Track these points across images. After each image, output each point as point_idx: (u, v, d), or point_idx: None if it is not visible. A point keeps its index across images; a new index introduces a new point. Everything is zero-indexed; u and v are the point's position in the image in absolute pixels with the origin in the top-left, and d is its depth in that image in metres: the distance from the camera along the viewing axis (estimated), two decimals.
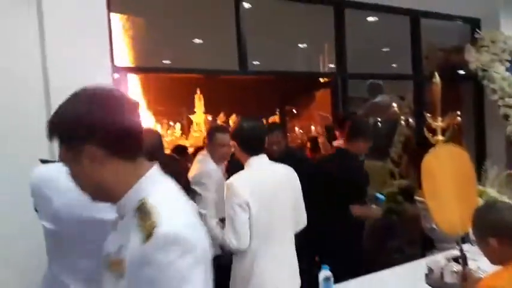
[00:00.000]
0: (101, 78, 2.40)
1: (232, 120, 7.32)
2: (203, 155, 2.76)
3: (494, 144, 4.22)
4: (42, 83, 2.39)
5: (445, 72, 4.77)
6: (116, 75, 2.77)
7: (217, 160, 2.71)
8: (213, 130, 2.82)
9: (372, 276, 2.24)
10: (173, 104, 7.48)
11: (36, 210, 1.45)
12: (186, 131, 7.59)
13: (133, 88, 5.75)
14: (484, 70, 3.93)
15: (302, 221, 2.11)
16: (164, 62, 4.95)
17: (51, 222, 1.34)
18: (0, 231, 2.17)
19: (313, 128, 7.77)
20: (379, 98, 5.37)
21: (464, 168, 1.93)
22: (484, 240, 1.56)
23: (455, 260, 2.01)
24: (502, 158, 4.05)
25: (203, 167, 2.65)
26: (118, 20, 4.05)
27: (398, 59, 5.07)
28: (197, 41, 4.76)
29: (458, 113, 4.70)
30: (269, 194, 1.93)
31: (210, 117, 7.29)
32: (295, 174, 2.13)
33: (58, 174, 1.33)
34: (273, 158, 2.69)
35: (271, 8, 3.85)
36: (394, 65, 5.36)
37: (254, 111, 7.04)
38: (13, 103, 2.32)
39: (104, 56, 2.48)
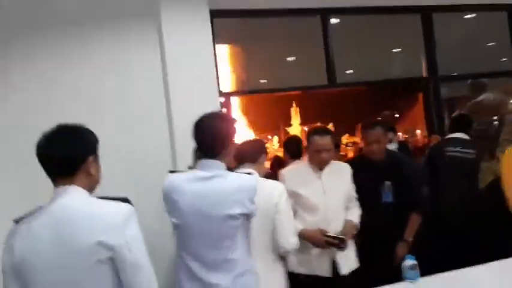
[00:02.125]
0: (210, 103, 2.91)
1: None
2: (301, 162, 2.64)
3: None
4: (165, 109, 2.97)
5: None
6: (222, 99, 3.25)
7: (316, 166, 2.42)
8: (310, 132, 2.48)
9: (466, 270, 2.29)
10: (271, 118, 7.91)
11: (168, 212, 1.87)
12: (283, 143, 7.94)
13: (237, 107, 6.32)
14: None
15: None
16: (261, 81, 5.45)
17: (177, 218, 1.75)
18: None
19: (418, 132, 7.56)
20: (482, 97, 5.12)
21: None
22: None
23: None
24: None
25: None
26: (221, 49, 4.64)
27: (507, 53, 4.81)
28: (290, 59, 5.16)
29: None
30: None
31: (306, 128, 7.55)
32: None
33: (182, 181, 1.77)
34: (373, 158, 2.60)
35: (360, 20, 4.06)
36: (503, 59, 5.07)
37: (351, 119, 7.19)
38: (140, 128, 2.90)
39: (212, 84, 2.98)
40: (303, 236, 2.27)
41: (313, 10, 3.58)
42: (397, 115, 8.49)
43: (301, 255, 2.36)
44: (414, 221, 2.65)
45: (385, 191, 2.60)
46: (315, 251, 2.33)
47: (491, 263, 2.32)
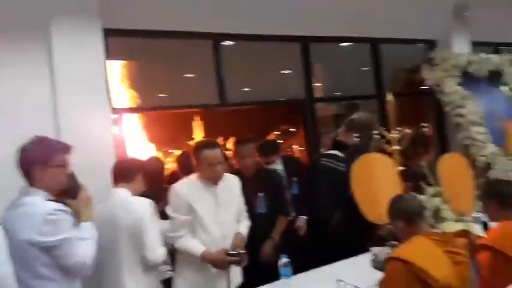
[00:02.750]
0: (101, 119, 2.97)
1: (230, 143, 7.84)
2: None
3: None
4: (53, 126, 2.89)
5: (410, 89, 5.32)
6: (114, 116, 3.28)
7: (210, 181, 2.38)
8: (199, 147, 2.43)
9: (331, 266, 2.68)
10: (174, 132, 7.92)
11: None
12: None
13: (135, 121, 6.26)
14: (438, 85, 4.46)
15: None
16: (161, 95, 5.52)
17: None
18: None
19: None
20: (354, 115, 5.85)
21: (390, 172, 2.44)
22: (394, 222, 2.06)
23: None
24: None
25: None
26: (119, 66, 4.65)
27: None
28: (188, 75, 5.35)
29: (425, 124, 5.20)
30: None
31: None
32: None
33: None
34: (246, 172, 2.81)
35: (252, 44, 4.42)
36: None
37: (252, 134, 7.61)
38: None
39: (103, 101, 3.02)
40: (206, 260, 2.27)
41: (204, 34, 3.81)
42: (293, 129, 9.14)
43: (199, 275, 2.35)
44: (281, 223, 2.90)
45: (258, 203, 2.77)
46: (215, 270, 2.33)
47: (351, 258, 2.76)
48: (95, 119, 2.95)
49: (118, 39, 3.43)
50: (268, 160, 3.38)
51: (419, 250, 1.90)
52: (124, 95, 4.49)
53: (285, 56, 4.67)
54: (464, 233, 2.71)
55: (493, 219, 2.26)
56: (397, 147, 3.44)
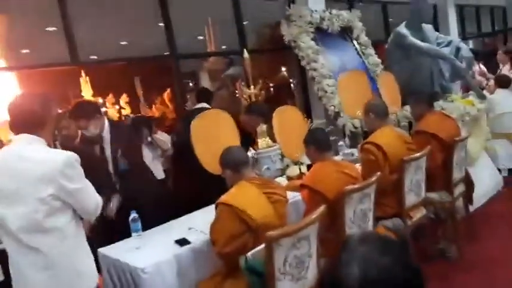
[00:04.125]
0: None
1: (124, 100, 7.61)
2: None
3: (315, 100, 5.14)
4: None
5: (274, 44, 5.60)
6: None
7: None
8: None
9: (184, 217, 2.88)
10: (60, 90, 7.35)
11: None
12: None
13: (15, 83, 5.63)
14: (294, 41, 4.78)
15: None
16: (23, 52, 5.05)
17: None
18: None
19: None
20: (230, 71, 6.07)
21: (228, 125, 2.67)
22: (223, 171, 2.30)
23: None
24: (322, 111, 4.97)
25: None
26: None
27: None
28: (50, 29, 4.92)
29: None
30: None
31: (100, 100, 7.28)
32: None
33: None
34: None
35: None
36: None
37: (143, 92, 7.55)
38: None
39: None
40: None
41: None
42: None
43: None
44: None
45: None
46: None
47: (203, 208, 2.97)
48: None
49: None
50: (80, 125, 2.80)
51: (240, 194, 2.17)
52: None
53: (148, 9, 4.57)
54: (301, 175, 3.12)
55: (312, 162, 2.63)
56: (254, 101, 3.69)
